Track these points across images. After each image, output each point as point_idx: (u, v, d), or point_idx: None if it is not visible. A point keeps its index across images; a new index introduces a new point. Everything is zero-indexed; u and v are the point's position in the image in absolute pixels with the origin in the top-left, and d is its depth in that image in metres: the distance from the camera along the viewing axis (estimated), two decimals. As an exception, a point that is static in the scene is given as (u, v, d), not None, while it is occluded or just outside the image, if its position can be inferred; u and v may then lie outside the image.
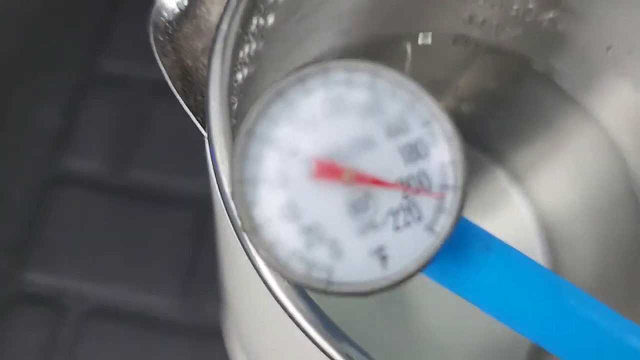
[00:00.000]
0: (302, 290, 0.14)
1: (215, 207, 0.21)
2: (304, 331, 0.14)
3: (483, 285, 0.14)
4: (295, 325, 0.14)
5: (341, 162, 0.12)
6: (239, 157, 0.12)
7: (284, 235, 0.12)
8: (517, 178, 0.29)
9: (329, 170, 0.12)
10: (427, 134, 0.13)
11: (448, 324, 0.27)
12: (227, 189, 0.15)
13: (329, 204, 0.12)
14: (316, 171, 0.12)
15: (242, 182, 0.12)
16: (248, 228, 0.12)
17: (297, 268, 0.12)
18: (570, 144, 0.27)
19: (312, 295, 0.13)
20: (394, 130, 0.13)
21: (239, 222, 0.12)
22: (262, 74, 0.21)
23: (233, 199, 0.12)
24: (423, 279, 0.27)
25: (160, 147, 0.39)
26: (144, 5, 0.43)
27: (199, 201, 0.37)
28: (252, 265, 0.14)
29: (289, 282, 0.12)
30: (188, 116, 0.40)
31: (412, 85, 0.12)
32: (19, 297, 0.35)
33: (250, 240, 0.12)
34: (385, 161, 0.12)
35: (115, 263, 0.36)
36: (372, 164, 0.12)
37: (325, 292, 0.12)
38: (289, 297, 0.14)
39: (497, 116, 0.28)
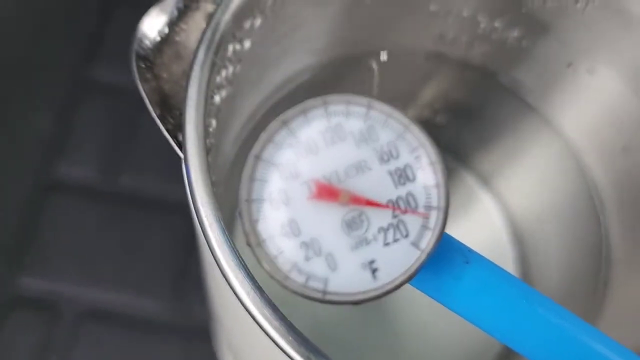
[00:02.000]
0: (272, 304, 0.15)
1: (195, 220, 0.22)
2: (270, 337, 0.14)
3: (462, 294, 0.15)
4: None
5: (338, 184, 0.14)
6: (247, 179, 0.13)
7: (285, 249, 0.13)
8: (486, 182, 0.31)
9: (327, 192, 0.13)
10: (414, 160, 0.14)
11: (422, 327, 0.29)
12: (201, 207, 0.16)
13: (327, 222, 0.14)
14: (315, 192, 0.13)
15: (249, 202, 0.13)
16: (253, 243, 0.13)
17: (297, 278, 0.13)
18: (533, 150, 0.28)
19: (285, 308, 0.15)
20: (386, 156, 0.14)
21: (246, 238, 0.13)
22: (241, 94, 0.22)
23: (241, 216, 0.13)
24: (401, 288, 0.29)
25: (151, 154, 0.39)
26: (134, 18, 0.44)
27: (188, 207, 0.38)
28: (224, 279, 0.15)
29: (289, 290, 0.14)
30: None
31: (401, 117, 0.14)
32: (14, 301, 0.35)
33: (255, 254, 0.13)
34: (378, 184, 0.14)
35: (108, 267, 0.36)
36: (366, 186, 0.14)
37: (322, 301, 0.13)
38: (257, 307, 0.14)
39: (467, 125, 0.29)
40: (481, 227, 0.30)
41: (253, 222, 0.13)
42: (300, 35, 0.23)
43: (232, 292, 0.15)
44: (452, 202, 0.31)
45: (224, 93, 0.20)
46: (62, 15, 0.43)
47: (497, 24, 0.25)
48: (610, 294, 0.24)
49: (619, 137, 0.24)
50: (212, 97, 0.18)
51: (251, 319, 0.14)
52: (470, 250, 0.16)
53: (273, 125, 0.13)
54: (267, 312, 0.14)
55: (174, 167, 0.38)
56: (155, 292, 0.36)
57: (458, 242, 0.16)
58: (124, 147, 0.39)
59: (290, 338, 0.14)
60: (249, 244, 0.13)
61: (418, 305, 0.28)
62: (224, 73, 0.19)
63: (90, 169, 0.39)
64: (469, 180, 0.31)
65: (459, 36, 0.26)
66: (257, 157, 0.13)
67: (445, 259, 0.15)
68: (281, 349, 0.14)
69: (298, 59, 0.25)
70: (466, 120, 0.29)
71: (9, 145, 0.39)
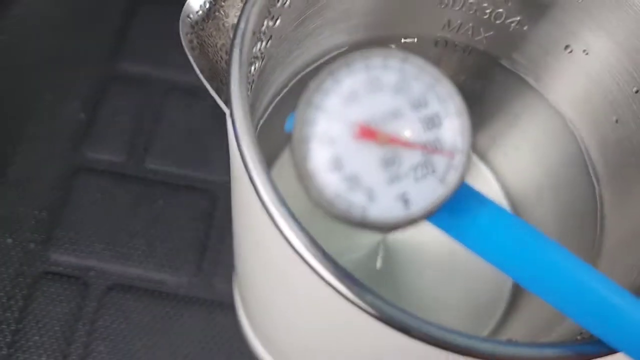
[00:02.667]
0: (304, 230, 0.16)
1: (233, 172, 0.23)
2: (309, 265, 0.16)
3: (477, 232, 0.17)
4: (302, 269, 0.16)
5: (377, 127, 0.16)
6: (299, 121, 0.15)
7: (331, 182, 0.15)
8: (483, 157, 0.33)
9: (367, 133, 0.15)
10: (442, 109, 0.16)
11: (432, 284, 0.30)
12: (245, 150, 0.17)
13: (366, 159, 0.16)
14: (357, 133, 0.15)
15: (300, 141, 0.15)
16: (303, 174, 0.15)
17: (340, 206, 0.15)
18: (531, 125, 0.30)
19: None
20: (417, 105, 0.16)
21: (297, 170, 0.15)
22: (270, 69, 0.24)
23: (293, 153, 0.15)
24: (411, 255, 0.31)
25: (173, 138, 0.42)
26: (157, 15, 0.47)
27: (209, 187, 0.40)
28: (265, 213, 0.16)
29: (332, 217, 0.16)
30: (196, 113, 0.43)
31: (433, 70, 0.16)
32: (45, 275, 0.37)
33: (305, 185, 0.15)
34: (410, 128, 0.16)
35: (132, 243, 0.38)
36: (400, 129, 0.16)
37: (362, 225, 0.15)
38: (294, 232, 0.16)
39: (469, 106, 0.32)
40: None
41: (303, 159, 0.15)
42: (323, 17, 0.25)
43: (271, 227, 0.16)
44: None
45: (256, 64, 0.22)
46: (92, 13, 0.45)
47: (501, 10, 0.27)
48: (603, 258, 0.26)
49: (612, 111, 0.26)
50: (250, 65, 0.20)
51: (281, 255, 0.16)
52: (486, 197, 0.18)
53: (321, 75, 0.16)
54: (305, 238, 0.16)
55: (193, 151, 0.41)
56: (179, 266, 0.38)
57: (474, 189, 0.18)
58: (148, 132, 0.41)
59: (334, 270, 0.16)
60: (299, 177, 0.15)
61: (429, 270, 0.31)
62: (258, 45, 0.21)
63: (117, 152, 0.41)
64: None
65: (466, 23, 0.28)
66: (308, 102, 0.15)
67: (464, 200, 0.17)
68: (326, 280, 0.16)
69: (319, 41, 0.27)
70: (469, 102, 0.31)
71: (42, 131, 0.41)
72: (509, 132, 0.32)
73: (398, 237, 0.32)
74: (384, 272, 0.32)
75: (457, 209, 0.17)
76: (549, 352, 0.17)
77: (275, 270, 0.22)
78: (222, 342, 0.36)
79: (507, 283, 0.31)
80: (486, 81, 0.31)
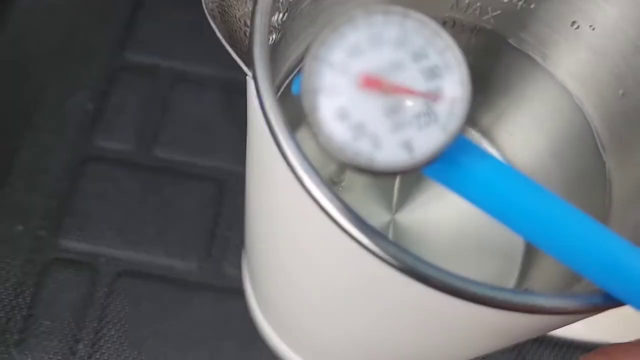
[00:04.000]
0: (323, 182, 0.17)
1: (251, 136, 0.24)
2: (331, 217, 0.17)
3: (477, 183, 0.18)
4: (323, 226, 0.17)
5: (381, 77, 0.17)
6: (306, 74, 0.17)
7: (338, 130, 0.17)
8: (486, 134, 0.34)
9: (372, 82, 0.17)
10: (442, 61, 0.17)
11: (443, 262, 0.32)
12: (269, 110, 0.18)
13: (371, 108, 0.17)
14: (362, 83, 0.17)
15: (307, 92, 0.17)
16: (312, 124, 0.17)
17: (348, 153, 0.17)
18: (536, 101, 0.31)
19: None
20: (418, 57, 0.17)
21: (306, 121, 0.17)
22: (284, 43, 0.25)
23: (302, 103, 0.17)
24: (420, 226, 0.32)
25: (182, 127, 0.43)
26: (165, 5, 0.48)
27: (217, 175, 0.41)
28: (288, 170, 0.17)
29: (340, 162, 0.17)
30: (204, 102, 0.45)
31: (433, 24, 0.17)
32: (56, 261, 0.39)
33: (314, 133, 0.17)
34: (412, 78, 0.17)
35: (142, 230, 0.40)
36: (403, 79, 0.17)
37: (369, 170, 0.17)
38: (314, 182, 0.17)
39: (477, 88, 0.33)
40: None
41: (312, 109, 0.17)
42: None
43: (294, 188, 0.18)
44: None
45: (273, 35, 0.23)
46: (98, 4, 0.47)
47: (508, -12, 0.28)
48: (611, 215, 0.27)
49: (618, 84, 0.27)
50: (269, 33, 0.21)
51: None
52: (485, 151, 0.19)
53: (325, 31, 0.17)
54: (327, 192, 0.17)
55: (200, 140, 0.42)
56: (188, 253, 0.39)
57: (474, 144, 0.19)
58: (157, 121, 0.43)
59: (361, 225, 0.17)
60: (309, 125, 0.17)
61: (434, 243, 0.32)
62: (276, 16, 0.23)
63: (125, 141, 0.42)
64: (472, 134, 0.34)
65: (473, 2, 0.29)
66: (314, 57, 0.17)
67: (464, 152, 0.18)
68: (351, 235, 0.17)
69: (335, 17, 0.28)
70: (477, 83, 0.32)
71: (51, 121, 0.43)
72: (515, 111, 0.33)
73: (407, 216, 0.33)
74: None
75: (457, 160, 0.18)
76: (557, 301, 0.18)
77: (291, 231, 0.23)
78: (232, 327, 0.37)
79: (518, 259, 0.32)
80: (494, 60, 0.32)
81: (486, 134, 0.35)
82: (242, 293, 0.38)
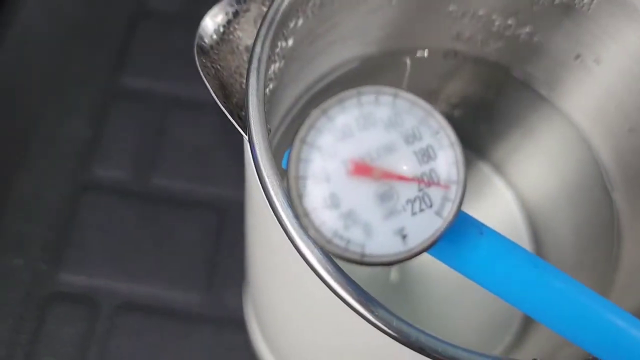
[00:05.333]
0: (325, 253, 0.17)
1: (249, 192, 0.24)
2: (327, 284, 0.17)
3: (477, 262, 0.18)
4: (321, 287, 0.17)
5: (371, 162, 0.16)
6: (294, 159, 0.16)
7: (327, 219, 0.16)
8: (499, 169, 0.34)
9: (362, 169, 0.16)
10: (436, 141, 0.17)
11: (447, 297, 0.31)
12: (266, 177, 0.18)
13: (362, 195, 0.16)
14: (352, 170, 0.16)
15: (296, 178, 0.16)
16: (301, 214, 0.16)
17: (338, 244, 0.16)
18: (544, 136, 0.31)
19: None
20: (411, 139, 0.17)
21: (294, 210, 0.16)
22: (282, 88, 0.25)
23: (290, 192, 0.16)
24: (426, 267, 0.32)
25: (179, 155, 0.43)
26: (158, 31, 0.48)
27: (217, 203, 0.41)
28: (282, 232, 0.17)
29: (330, 255, 0.16)
30: (201, 128, 0.44)
31: (424, 104, 0.17)
32: (55, 295, 0.39)
33: (302, 223, 0.16)
34: (405, 162, 0.17)
35: (142, 262, 0.40)
36: (395, 164, 0.17)
37: (360, 263, 0.16)
38: (316, 258, 0.17)
39: (482, 117, 0.32)
40: (497, 211, 0.33)
41: (300, 196, 0.16)
42: (334, 34, 0.26)
43: (289, 250, 0.17)
44: (469, 190, 0.34)
45: (270, 85, 0.23)
46: (91, 31, 0.47)
47: (510, 22, 0.28)
48: (621, 267, 0.27)
49: (625, 120, 0.26)
50: (266, 87, 0.21)
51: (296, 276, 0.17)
52: (484, 225, 0.18)
53: (314, 113, 0.16)
54: (321, 256, 0.17)
55: (199, 167, 0.42)
56: (188, 284, 0.39)
57: (473, 218, 0.18)
58: (154, 148, 0.43)
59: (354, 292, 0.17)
60: (296, 215, 0.16)
61: (444, 281, 0.31)
62: (272, 67, 0.22)
63: (123, 169, 0.42)
64: (483, 168, 0.34)
65: (475, 34, 0.29)
66: (302, 141, 0.16)
67: (462, 231, 0.18)
68: (346, 302, 0.17)
69: (331, 57, 0.28)
70: (481, 113, 0.32)
71: (48, 149, 0.43)
72: (523, 143, 0.33)
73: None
74: (398, 286, 0.33)
75: (455, 239, 0.18)
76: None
77: (290, 286, 0.23)
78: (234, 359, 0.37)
79: (517, 312, 0.32)
80: (498, 92, 0.31)
81: (498, 168, 0.34)
82: (243, 324, 0.38)
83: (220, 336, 0.38)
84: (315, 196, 0.16)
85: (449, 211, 0.17)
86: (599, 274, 0.28)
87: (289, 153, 0.17)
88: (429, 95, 0.32)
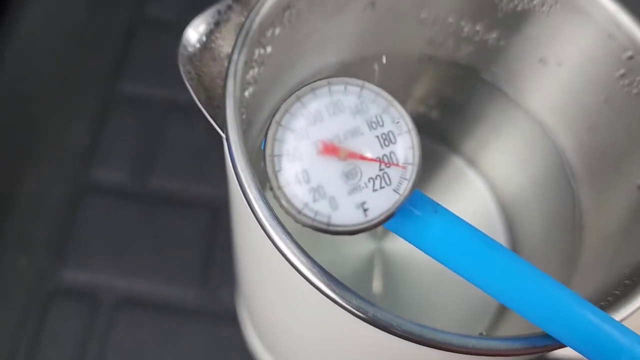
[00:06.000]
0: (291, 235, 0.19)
1: (231, 191, 0.26)
2: (299, 272, 0.19)
3: (430, 236, 0.20)
4: (290, 271, 0.19)
5: (339, 144, 0.19)
6: (271, 140, 0.19)
7: (299, 192, 0.19)
8: (472, 163, 0.36)
9: (330, 149, 0.19)
10: (396, 128, 0.19)
11: (428, 288, 0.34)
12: (241, 172, 0.20)
13: (330, 172, 0.19)
14: (322, 149, 0.19)
15: (272, 157, 0.19)
16: (275, 187, 0.19)
17: (307, 214, 0.19)
18: (512, 132, 0.33)
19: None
20: (374, 125, 0.19)
21: (269, 183, 0.19)
22: (262, 92, 0.27)
23: (265, 167, 0.19)
24: (407, 263, 0.34)
25: (175, 157, 0.45)
26: (155, 38, 0.50)
27: (211, 203, 0.43)
28: (259, 227, 0.20)
29: (301, 224, 0.19)
30: (197, 131, 0.47)
31: (387, 95, 0.19)
32: (57, 292, 0.41)
33: (276, 195, 0.19)
34: (368, 145, 0.19)
35: (140, 259, 0.42)
36: (360, 146, 0.19)
37: (326, 231, 0.19)
38: (286, 245, 0.19)
39: (455, 116, 0.35)
40: (471, 202, 0.35)
41: (275, 172, 0.19)
42: (312, 42, 0.29)
43: (267, 242, 0.20)
44: (445, 183, 0.36)
45: (250, 89, 0.25)
46: (90, 40, 0.50)
47: (478, 28, 0.30)
48: (583, 255, 0.29)
49: (585, 119, 0.29)
50: (243, 91, 0.23)
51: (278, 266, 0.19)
52: (439, 205, 0.20)
53: (289, 99, 0.19)
54: (295, 249, 0.19)
55: (195, 168, 0.44)
56: (185, 280, 0.41)
57: (430, 198, 0.20)
58: (151, 151, 0.45)
59: (322, 276, 0.19)
60: (271, 189, 0.19)
61: (419, 270, 0.34)
62: (250, 73, 0.25)
63: (122, 171, 0.44)
64: (457, 163, 0.36)
65: (446, 40, 0.31)
66: (278, 123, 0.19)
67: (418, 207, 0.20)
68: (320, 290, 0.19)
69: (310, 63, 0.30)
70: (455, 112, 0.34)
71: (50, 152, 0.45)
72: (494, 140, 0.35)
73: (393, 244, 0.35)
74: (380, 280, 0.35)
75: (411, 215, 0.20)
76: (499, 344, 0.20)
77: (274, 281, 0.25)
78: (228, 354, 0.39)
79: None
80: (469, 93, 0.34)
81: (471, 162, 0.37)
82: (237, 319, 0.40)
83: (216, 329, 0.40)
84: (288, 172, 0.19)
85: (404, 188, 0.19)
86: (563, 260, 0.30)
87: (266, 133, 0.19)
88: (405, 97, 0.34)
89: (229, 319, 0.40)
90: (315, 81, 0.19)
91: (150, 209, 0.43)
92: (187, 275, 0.41)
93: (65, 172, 0.45)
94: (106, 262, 0.42)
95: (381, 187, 0.19)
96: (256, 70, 0.25)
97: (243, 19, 0.24)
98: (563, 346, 0.20)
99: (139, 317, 0.40)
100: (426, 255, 0.20)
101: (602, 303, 0.22)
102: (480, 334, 0.29)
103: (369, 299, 0.19)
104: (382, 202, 0.19)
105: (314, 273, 0.19)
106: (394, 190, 0.19)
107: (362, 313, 0.19)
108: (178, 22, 0.50)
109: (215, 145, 0.45)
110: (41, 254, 0.42)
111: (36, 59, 0.49)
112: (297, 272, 0.20)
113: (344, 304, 0.19)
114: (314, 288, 0.19)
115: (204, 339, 0.40)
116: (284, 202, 0.19)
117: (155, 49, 0.49)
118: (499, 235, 0.35)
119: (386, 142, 0.19)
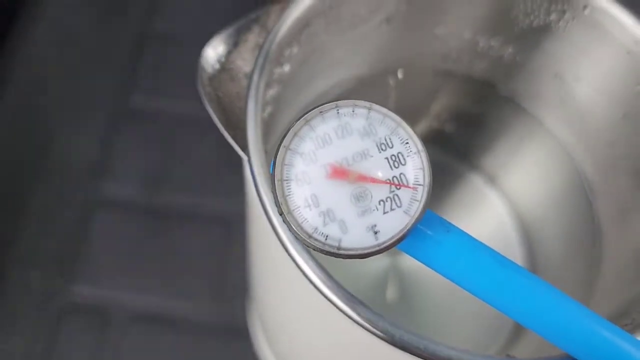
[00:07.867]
0: (315, 258, 0.20)
1: (250, 209, 0.27)
2: (317, 288, 0.19)
3: (444, 257, 0.20)
4: (315, 294, 0.20)
5: (348, 167, 0.19)
6: (279, 164, 0.19)
7: (308, 217, 0.19)
8: (491, 181, 0.36)
9: (339, 173, 0.19)
10: (405, 149, 0.20)
11: (443, 305, 0.34)
12: (264, 195, 0.21)
13: (339, 196, 0.19)
14: (331, 173, 0.19)
15: (281, 181, 0.19)
16: (285, 211, 0.19)
17: (318, 238, 0.19)
18: (530, 149, 0.34)
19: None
20: (383, 146, 0.20)
21: (278, 208, 0.19)
22: (279, 112, 0.27)
23: (275, 192, 0.19)
24: (421, 283, 0.34)
25: (185, 171, 0.46)
26: (164, 52, 0.51)
27: (222, 217, 0.44)
28: (279, 243, 0.20)
29: (311, 248, 0.19)
30: (206, 145, 0.47)
31: (395, 116, 0.20)
32: (68, 307, 0.41)
33: (286, 220, 0.19)
34: (378, 167, 0.19)
35: (151, 274, 0.42)
36: (369, 168, 0.19)
37: (337, 255, 0.19)
38: (307, 264, 0.20)
39: (472, 132, 0.35)
40: (490, 221, 0.36)
41: (284, 197, 0.19)
42: (328, 58, 0.29)
43: (283, 260, 0.20)
44: (461, 201, 0.37)
45: (269, 109, 0.25)
46: (99, 54, 0.51)
47: (493, 43, 0.30)
48: (602, 274, 0.29)
49: (602, 135, 0.29)
50: (263, 112, 0.24)
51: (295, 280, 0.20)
52: (450, 223, 0.21)
53: (298, 123, 0.19)
54: (321, 274, 0.20)
55: (206, 182, 0.45)
56: (196, 295, 0.42)
57: (442, 218, 0.21)
58: (162, 165, 0.46)
59: (340, 293, 0.19)
60: (280, 213, 0.19)
61: (433, 286, 0.34)
62: (270, 92, 0.25)
63: (132, 186, 0.45)
64: (476, 180, 0.36)
65: (462, 55, 0.32)
66: (286, 147, 0.19)
67: (430, 228, 0.20)
68: (334, 304, 0.19)
69: (325, 80, 0.31)
70: (471, 128, 0.35)
71: (61, 167, 0.46)
72: (513, 155, 0.36)
73: (408, 261, 0.35)
74: (394, 296, 0.35)
75: (423, 235, 0.20)
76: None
77: (294, 301, 0.26)
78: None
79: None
80: (486, 107, 0.34)
81: (491, 178, 0.37)
82: (249, 334, 0.40)
83: (227, 345, 0.40)
84: (298, 196, 0.19)
85: (415, 210, 0.19)
86: (583, 278, 0.30)
87: (274, 158, 0.19)
88: (421, 112, 0.35)
89: (241, 334, 0.40)
90: (323, 104, 0.20)
91: (162, 223, 0.44)
92: (198, 290, 0.42)
93: (77, 186, 0.45)
94: (117, 278, 0.42)
95: (392, 209, 0.19)
96: (274, 89, 0.26)
97: (261, 40, 0.24)
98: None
99: (150, 334, 0.41)
100: (439, 273, 0.20)
101: (626, 323, 0.22)
102: (507, 355, 0.29)
103: (384, 315, 0.19)
104: (393, 224, 0.19)
105: (340, 298, 0.20)
106: (405, 212, 0.19)
107: (389, 336, 0.19)
108: (187, 36, 0.51)
109: (225, 159, 0.46)
110: (52, 269, 0.43)
111: (46, 74, 0.50)
112: (323, 297, 0.20)
113: (370, 327, 0.19)
114: (340, 312, 0.20)
115: (215, 355, 0.40)
116: (293, 227, 0.19)
117: (165, 62, 0.50)
118: (517, 253, 0.35)
119: (396, 164, 0.20)
